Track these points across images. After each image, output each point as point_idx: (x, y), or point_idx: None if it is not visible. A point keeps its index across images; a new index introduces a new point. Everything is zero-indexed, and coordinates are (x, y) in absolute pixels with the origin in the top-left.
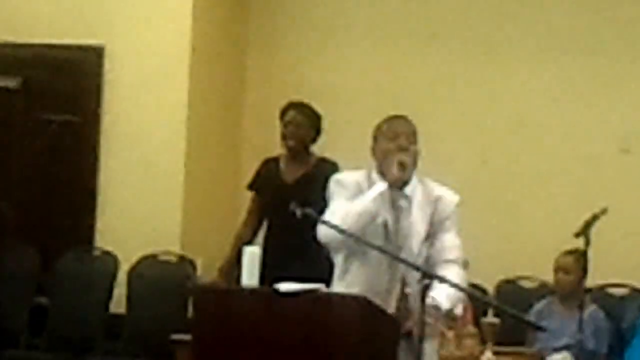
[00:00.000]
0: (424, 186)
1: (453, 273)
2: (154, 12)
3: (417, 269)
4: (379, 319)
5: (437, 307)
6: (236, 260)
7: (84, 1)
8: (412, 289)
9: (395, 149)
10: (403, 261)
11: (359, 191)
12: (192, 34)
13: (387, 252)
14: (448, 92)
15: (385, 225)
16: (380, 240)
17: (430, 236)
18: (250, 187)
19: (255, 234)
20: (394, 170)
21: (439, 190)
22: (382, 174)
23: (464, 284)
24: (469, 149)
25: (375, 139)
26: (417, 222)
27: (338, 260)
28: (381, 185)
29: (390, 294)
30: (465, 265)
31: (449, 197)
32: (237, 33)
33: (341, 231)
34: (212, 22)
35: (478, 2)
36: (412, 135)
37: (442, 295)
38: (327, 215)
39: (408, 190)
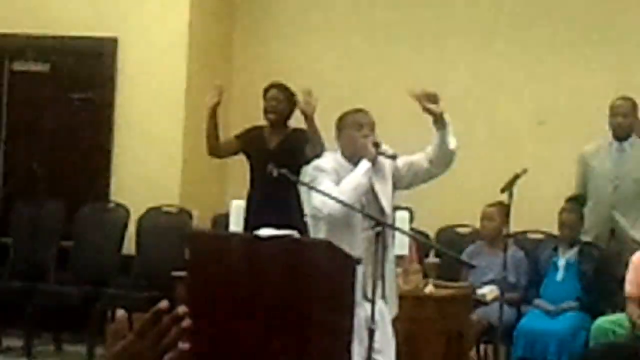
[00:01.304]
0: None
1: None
2: (158, 10)
3: (371, 217)
4: (340, 259)
5: None
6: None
7: (102, 2)
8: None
9: (361, 136)
10: (376, 220)
11: (337, 173)
12: (189, 27)
13: (371, 216)
14: (399, 75)
15: (372, 188)
16: (372, 203)
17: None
18: (237, 136)
19: (223, 150)
20: (372, 149)
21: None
22: (348, 157)
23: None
24: (417, 121)
25: (340, 129)
26: (387, 187)
27: (321, 228)
28: (365, 163)
29: (369, 255)
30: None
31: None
32: (226, 26)
33: (344, 204)
34: (205, 17)
35: None
36: (372, 126)
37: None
38: (322, 194)
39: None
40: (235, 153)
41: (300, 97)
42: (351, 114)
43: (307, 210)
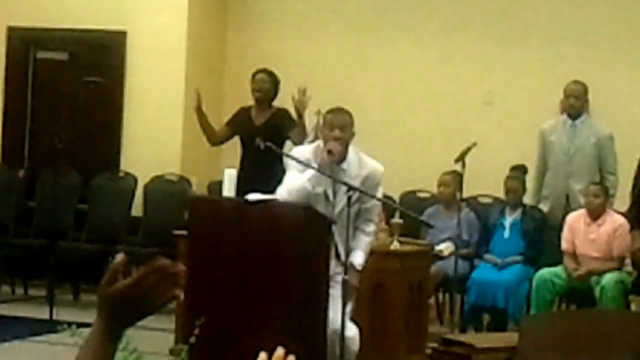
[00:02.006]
0: (359, 158)
1: (368, 229)
2: (161, 7)
3: (345, 184)
4: (317, 220)
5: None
6: (201, 119)
7: (114, 1)
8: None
9: (331, 137)
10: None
11: (309, 163)
12: (188, 22)
13: (345, 183)
14: (370, 65)
15: (325, 193)
16: (322, 204)
17: (360, 199)
18: (227, 123)
19: (217, 138)
20: (324, 156)
21: (370, 162)
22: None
23: (372, 237)
24: (385, 101)
25: (323, 123)
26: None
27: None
28: (311, 171)
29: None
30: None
31: (377, 168)
32: (220, 21)
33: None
34: (202, 13)
35: None
36: (347, 126)
37: (357, 257)
38: (283, 184)
39: (344, 164)
40: (231, 137)
41: (295, 95)
42: (329, 113)
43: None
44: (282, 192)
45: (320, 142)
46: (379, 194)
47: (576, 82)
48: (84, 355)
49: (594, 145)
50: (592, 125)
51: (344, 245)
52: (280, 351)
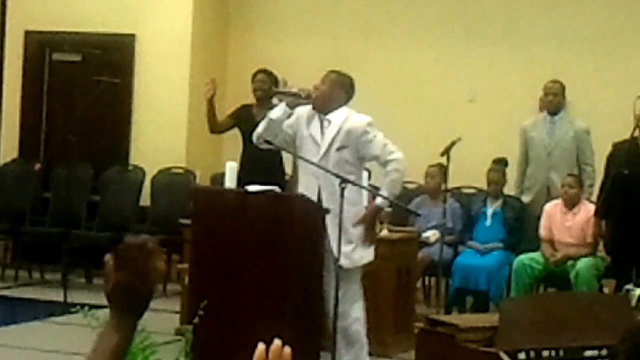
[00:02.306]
0: (348, 116)
1: (387, 168)
2: (167, 13)
3: (336, 175)
4: (312, 209)
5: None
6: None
7: (123, 6)
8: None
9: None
10: (323, 168)
11: (296, 118)
12: (192, 26)
13: (306, 159)
14: (363, 65)
15: (311, 136)
16: (313, 151)
17: (346, 146)
18: (230, 115)
19: (218, 127)
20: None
21: (356, 118)
22: None
23: (393, 173)
24: (377, 98)
25: None
26: (333, 135)
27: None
28: (283, 105)
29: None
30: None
31: (359, 121)
32: (222, 24)
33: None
34: (205, 18)
35: None
36: (327, 81)
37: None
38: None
39: (331, 115)
40: (230, 128)
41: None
42: None
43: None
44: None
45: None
46: (375, 141)
47: (554, 81)
48: (97, 344)
49: (572, 139)
50: (570, 120)
51: (336, 239)
52: (277, 343)
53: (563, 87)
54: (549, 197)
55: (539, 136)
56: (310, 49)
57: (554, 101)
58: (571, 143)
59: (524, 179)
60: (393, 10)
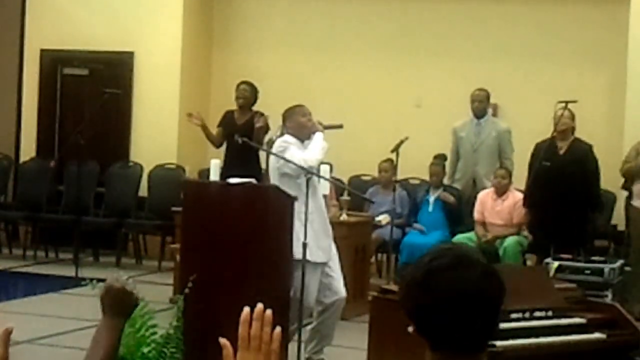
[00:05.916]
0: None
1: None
2: (160, 34)
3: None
4: (283, 198)
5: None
6: (206, 132)
7: (124, 28)
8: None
9: (308, 118)
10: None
11: (297, 145)
12: (181, 45)
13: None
14: (325, 76)
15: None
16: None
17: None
18: (219, 126)
19: (218, 141)
20: (319, 125)
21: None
22: (296, 135)
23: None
24: (337, 104)
25: (288, 117)
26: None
27: (302, 183)
28: (320, 134)
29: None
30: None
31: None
32: (207, 41)
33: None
34: (192, 37)
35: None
36: (311, 114)
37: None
38: (295, 156)
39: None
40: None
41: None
42: (297, 107)
43: (272, 170)
44: (306, 159)
45: (284, 135)
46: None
47: (480, 89)
48: (93, 341)
49: (495, 138)
50: (493, 122)
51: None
52: (260, 306)
53: (488, 95)
54: (475, 187)
55: (467, 136)
56: (284, 62)
57: (479, 107)
58: (494, 141)
59: (455, 171)
60: (354, 30)
